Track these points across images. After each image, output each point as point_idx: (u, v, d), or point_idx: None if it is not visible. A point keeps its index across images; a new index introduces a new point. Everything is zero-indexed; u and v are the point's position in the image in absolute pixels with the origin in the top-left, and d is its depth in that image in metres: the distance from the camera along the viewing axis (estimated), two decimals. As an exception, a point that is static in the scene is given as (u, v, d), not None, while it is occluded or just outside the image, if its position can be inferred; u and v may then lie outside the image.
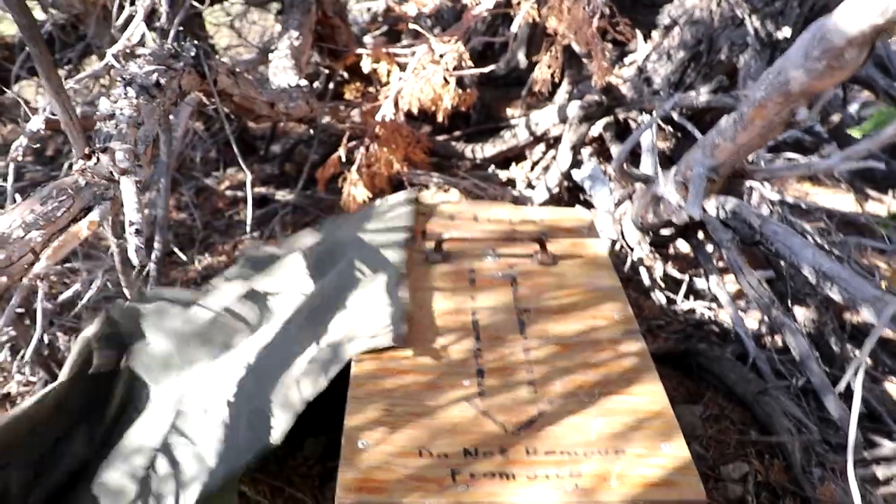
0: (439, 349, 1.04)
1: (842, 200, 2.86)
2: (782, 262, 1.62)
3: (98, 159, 1.12)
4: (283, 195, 2.52)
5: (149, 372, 1.38)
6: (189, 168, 2.74)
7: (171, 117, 2.00)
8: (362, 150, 2.22)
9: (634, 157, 1.83)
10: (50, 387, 1.27)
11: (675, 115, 1.87)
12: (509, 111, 2.73)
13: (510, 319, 1.09)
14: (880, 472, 1.48)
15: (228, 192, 2.59)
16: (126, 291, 1.54)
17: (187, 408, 1.28)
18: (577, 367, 1.00)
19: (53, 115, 1.41)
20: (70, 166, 1.14)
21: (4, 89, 2.34)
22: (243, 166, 1.60)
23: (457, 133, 2.70)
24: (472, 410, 0.92)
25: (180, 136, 2.06)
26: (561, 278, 1.21)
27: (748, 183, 1.79)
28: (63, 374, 1.32)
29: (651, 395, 0.95)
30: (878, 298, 1.35)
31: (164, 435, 1.27)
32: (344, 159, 2.25)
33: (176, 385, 1.35)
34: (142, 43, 1.63)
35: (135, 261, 1.00)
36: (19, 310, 1.51)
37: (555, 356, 1.02)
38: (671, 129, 2.13)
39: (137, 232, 1.03)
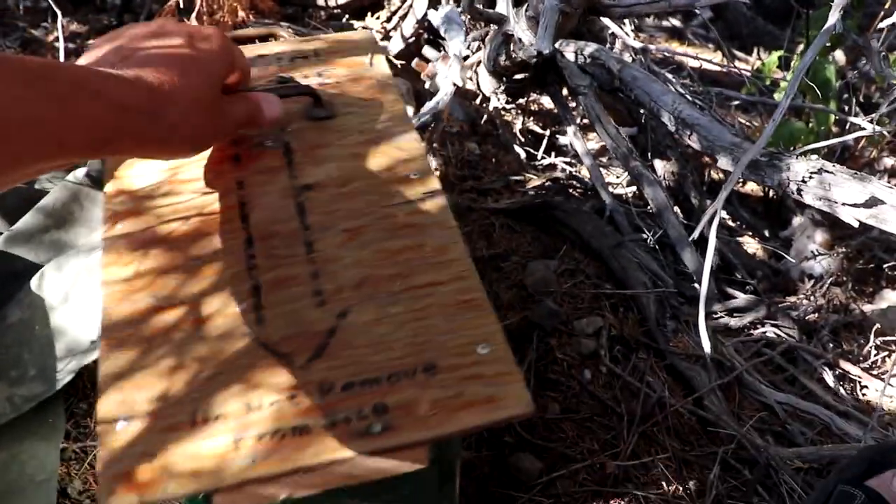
0: (204, 266, 0.79)
1: (708, 65, 2.83)
2: (642, 111, 1.56)
3: None
4: (119, 46, 2.31)
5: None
6: (13, 18, 2.47)
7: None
8: (202, -6, 2.03)
9: (491, 2, 1.71)
10: None
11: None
12: (368, -42, 2.56)
13: (287, 205, 0.86)
14: (733, 322, 1.47)
15: (59, 45, 2.36)
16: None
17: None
18: (371, 259, 0.79)
19: None
20: None
21: None
22: (52, 3, 1.41)
23: (312, -19, 2.52)
24: (251, 347, 0.72)
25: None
26: (343, 134, 0.95)
27: (610, 29, 1.71)
28: None
29: (460, 280, 0.77)
30: (737, 145, 1.30)
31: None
32: (182, 6, 2.06)
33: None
34: None
35: None
36: None
37: (343, 248, 0.81)
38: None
39: None
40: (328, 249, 0.80)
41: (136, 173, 0.90)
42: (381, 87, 1.03)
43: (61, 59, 1.37)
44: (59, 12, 1.40)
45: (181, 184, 0.89)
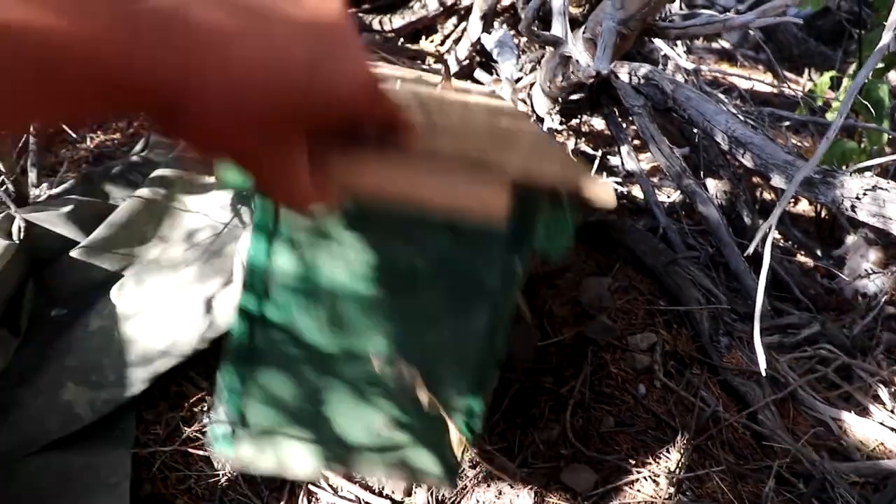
0: None
1: (760, 86, 2.84)
2: (695, 130, 1.58)
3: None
4: (182, 70, 2.38)
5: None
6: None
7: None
8: (263, 20, 2.09)
9: (547, 24, 1.75)
10: None
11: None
12: (421, -17, 2.61)
13: None
14: (786, 339, 1.48)
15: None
16: (0, 165, 1.42)
17: None
18: None
19: None
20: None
21: None
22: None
23: (366, 6, 2.58)
24: None
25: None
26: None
27: (663, 52, 1.73)
28: None
29: None
30: (790, 163, 1.32)
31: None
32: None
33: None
34: None
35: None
36: None
37: None
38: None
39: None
40: None
41: None
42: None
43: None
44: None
45: None
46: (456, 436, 0.84)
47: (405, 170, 0.61)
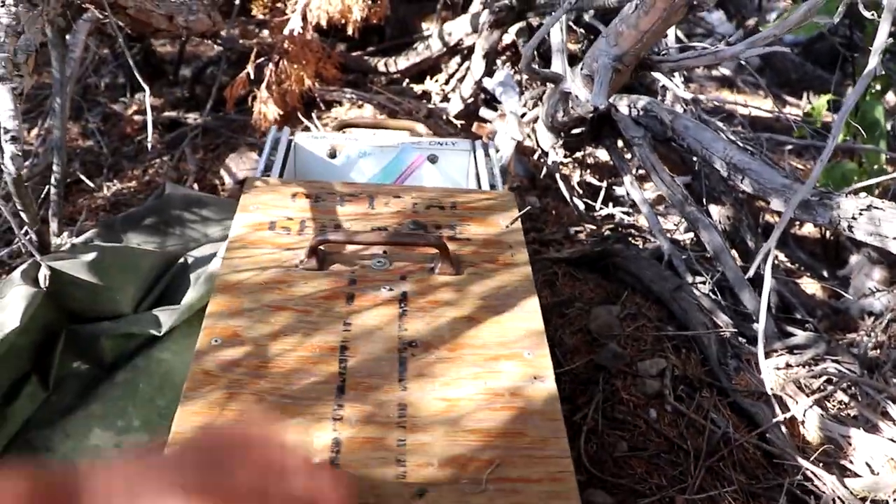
0: (290, 405, 0.78)
1: (761, 111, 2.87)
2: (695, 159, 1.62)
3: (-28, 68, 1.06)
4: (193, 118, 2.44)
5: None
6: (95, 94, 2.64)
7: (67, 37, 1.90)
8: (271, 66, 2.15)
9: (547, 60, 1.80)
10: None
11: (586, 17, 1.85)
12: (425, 25, 2.67)
13: (389, 358, 0.84)
14: (793, 359, 1.50)
15: (137, 118, 2.50)
16: (23, 215, 1.47)
17: None
18: (464, 437, 0.76)
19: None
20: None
21: None
22: (140, 79, 1.52)
23: (371, 49, 2.64)
24: None
25: (78, 56, 1.96)
26: (463, 295, 0.94)
27: (661, 83, 1.78)
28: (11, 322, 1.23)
29: (555, 482, 0.75)
30: (788, 186, 1.36)
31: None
32: (253, 77, 2.18)
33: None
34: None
35: (10, 169, 0.95)
36: None
37: (437, 420, 0.77)
38: (583, 32, 2.10)
39: (14, 139, 0.97)
40: (421, 416, 0.77)
41: (242, 290, 0.93)
42: (513, 252, 1.03)
43: (149, 131, 1.47)
44: (146, 87, 1.51)
45: (285, 312, 0.88)
46: None
47: None
